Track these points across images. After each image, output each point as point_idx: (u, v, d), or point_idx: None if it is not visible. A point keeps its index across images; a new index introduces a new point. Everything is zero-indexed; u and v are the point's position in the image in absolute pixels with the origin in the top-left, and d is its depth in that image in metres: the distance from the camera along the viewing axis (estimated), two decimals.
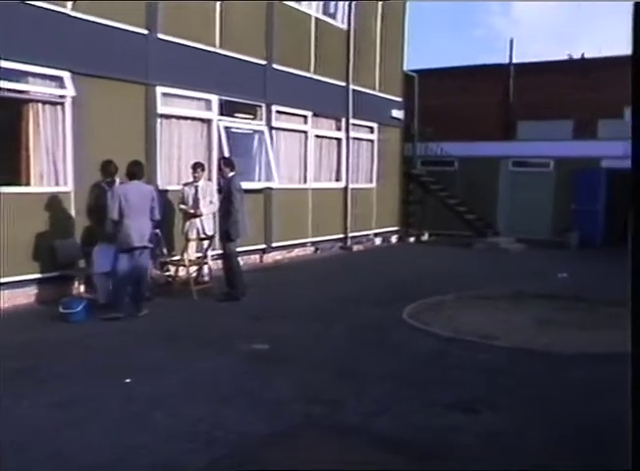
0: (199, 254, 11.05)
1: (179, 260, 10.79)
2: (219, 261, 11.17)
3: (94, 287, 9.45)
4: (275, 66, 14.35)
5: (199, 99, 12.54)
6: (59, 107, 9.85)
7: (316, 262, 15.21)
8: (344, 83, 16.93)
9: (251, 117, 14.12)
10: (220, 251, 10.91)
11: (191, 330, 8.37)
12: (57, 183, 9.94)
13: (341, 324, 8.82)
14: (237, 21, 13.09)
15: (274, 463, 4.55)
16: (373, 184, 18.77)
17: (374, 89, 18.29)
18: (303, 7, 15.45)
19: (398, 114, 19.45)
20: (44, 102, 9.73)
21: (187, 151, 12.36)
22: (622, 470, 2.53)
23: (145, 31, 11.11)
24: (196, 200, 11.03)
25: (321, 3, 16.26)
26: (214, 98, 12.73)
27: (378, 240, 18.77)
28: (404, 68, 20.15)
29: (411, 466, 4.58)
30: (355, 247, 17.41)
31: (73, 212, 9.96)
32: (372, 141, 18.67)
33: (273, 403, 5.72)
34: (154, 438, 4.90)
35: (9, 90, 9.14)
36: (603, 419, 5.41)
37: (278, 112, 14.65)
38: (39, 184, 9.73)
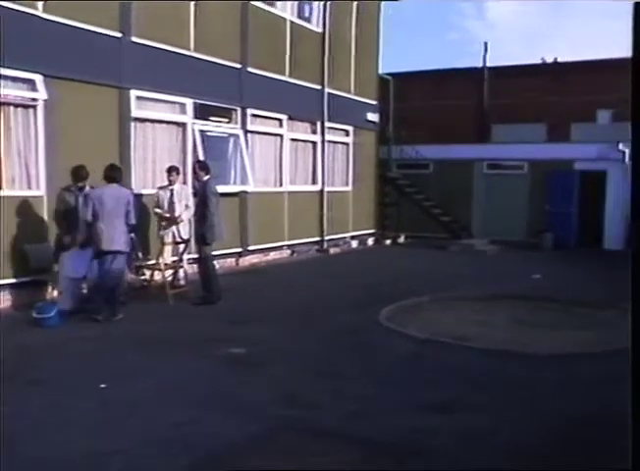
0: (175, 258, 11.00)
1: (154, 264, 10.73)
2: (195, 265, 11.12)
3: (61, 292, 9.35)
4: (250, 69, 14.33)
5: (174, 103, 12.49)
6: (31, 110, 9.76)
7: (293, 265, 15.20)
8: (319, 87, 16.95)
9: (226, 120, 14.08)
10: (196, 255, 10.86)
11: (167, 334, 8.31)
12: (29, 187, 9.84)
13: (317, 327, 8.82)
14: (211, 24, 13.05)
15: (252, 467, 4.53)
16: (349, 187, 18.80)
17: (349, 92, 18.33)
18: (278, 10, 15.45)
19: (373, 117, 19.51)
20: (16, 105, 9.62)
21: (162, 155, 12.30)
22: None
23: (119, 34, 11.04)
24: (172, 204, 10.98)
25: (295, 6, 16.27)
26: (189, 102, 12.68)
27: (354, 243, 18.80)
28: (379, 71, 20.23)
29: (389, 467, 4.59)
30: (332, 250, 17.42)
31: (45, 216, 9.86)
32: (347, 144, 18.71)
33: (250, 407, 5.71)
34: (130, 443, 4.86)
35: None
36: (577, 418, 5.48)
37: (253, 115, 14.62)
38: (11, 188, 9.59)
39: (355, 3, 18.35)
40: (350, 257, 17.25)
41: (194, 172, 10.68)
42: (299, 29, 16.16)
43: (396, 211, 20.38)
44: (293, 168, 16.50)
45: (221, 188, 11.05)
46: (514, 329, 9.05)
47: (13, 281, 9.53)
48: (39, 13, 9.68)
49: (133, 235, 9.57)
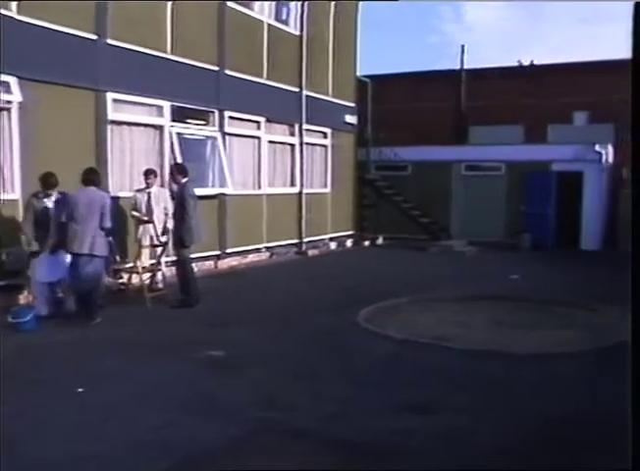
0: (153, 261, 10.94)
1: (132, 267, 10.65)
2: (173, 268, 11.06)
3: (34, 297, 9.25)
4: (227, 72, 14.30)
5: (151, 105, 12.44)
6: (5, 113, 9.66)
7: (271, 267, 15.16)
8: (297, 89, 16.95)
9: (204, 123, 14.04)
10: (174, 258, 10.81)
11: (146, 337, 8.25)
12: (4, 191, 9.73)
13: (296, 328, 8.81)
14: (188, 26, 13.01)
15: (231, 469, 4.51)
16: (327, 189, 18.82)
17: (327, 95, 18.35)
18: (255, 13, 15.43)
19: (351, 119, 19.54)
20: None
21: (140, 158, 12.23)
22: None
23: (94, 36, 10.96)
24: (149, 207, 10.93)
25: (273, 9, 16.26)
26: (166, 104, 12.63)
27: (333, 245, 18.80)
28: (358, 73, 20.27)
29: (367, 468, 4.58)
30: (311, 252, 17.42)
31: (21, 219, 9.74)
32: (326, 147, 18.73)
33: (229, 409, 5.68)
34: (108, 447, 4.82)
35: None
36: (556, 417, 5.51)
37: (231, 118, 14.59)
38: None
39: (333, 4, 18.37)
40: (329, 259, 17.25)
41: (172, 174, 10.63)
42: (277, 32, 16.15)
43: (374, 213, 20.43)
44: (272, 170, 16.49)
45: (199, 191, 11.02)
46: (493, 329, 9.09)
47: None
48: (13, 14, 9.58)
49: (110, 238, 9.50)
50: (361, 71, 20.55)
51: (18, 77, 9.63)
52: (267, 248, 16.08)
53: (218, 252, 14.24)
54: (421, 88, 23.55)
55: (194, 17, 13.23)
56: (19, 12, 9.64)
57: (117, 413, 5.54)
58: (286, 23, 16.77)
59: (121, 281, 11.04)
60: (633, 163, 2.43)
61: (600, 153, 18.71)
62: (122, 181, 11.88)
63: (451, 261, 16.54)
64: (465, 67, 24.01)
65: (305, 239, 17.50)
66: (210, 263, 14.00)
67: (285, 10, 16.83)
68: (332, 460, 4.65)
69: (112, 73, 11.28)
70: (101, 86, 11.15)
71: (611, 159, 19.32)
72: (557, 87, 21.49)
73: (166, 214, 10.97)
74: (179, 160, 12.26)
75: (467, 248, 18.42)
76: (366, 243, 19.96)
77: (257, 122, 15.67)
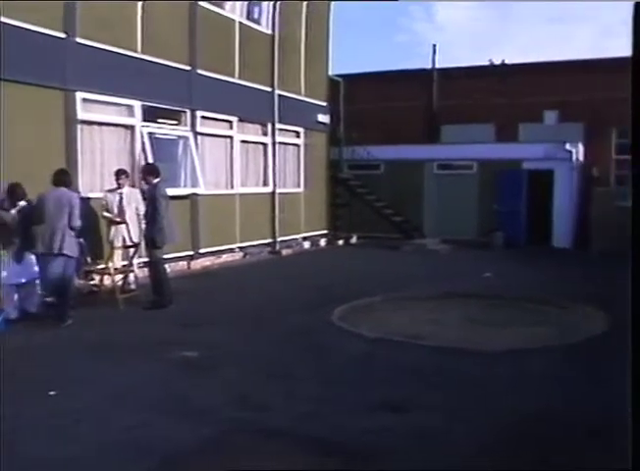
0: (125, 262, 10.84)
1: (104, 269, 10.54)
2: (145, 269, 10.97)
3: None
4: (199, 71, 14.22)
5: (122, 105, 12.33)
6: None
7: (245, 267, 15.11)
8: (269, 88, 16.91)
9: (176, 122, 13.95)
10: (146, 259, 10.72)
11: (118, 338, 8.17)
12: None
13: (270, 328, 8.78)
14: (159, 26, 12.91)
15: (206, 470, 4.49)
16: (300, 189, 18.80)
17: (300, 94, 18.33)
18: (227, 12, 15.37)
19: (323, 118, 19.54)
20: None
21: (110, 158, 12.12)
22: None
23: (63, 35, 10.83)
24: (121, 208, 10.84)
25: (245, 8, 16.20)
26: (137, 104, 12.53)
27: (307, 244, 18.79)
28: (330, 73, 20.27)
29: (342, 467, 4.57)
30: (284, 252, 17.38)
31: None
32: (299, 146, 18.71)
33: (203, 410, 5.65)
34: (82, 450, 4.77)
35: None
36: (530, 414, 5.54)
37: (203, 117, 14.52)
38: None
39: (305, 4, 18.35)
40: (303, 258, 17.23)
41: (143, 175, 10.55)
42: (249, 31, 16.09)
43: (348, 212, 20.43)
44: (244, 170, 16.43)
45: (171, 191, 10.95)
46: (467, 327, 9.15)
47: None
48: None
49: (81, 239, 9.40)
50: (334, 70, 20.58)
51: None
52: (240, 248, 16.02)
53: (191, 253, 14.16)
54: (393, 87, 23.58)
55: (165, 16, 13.14)
56: None
57: (89, 415, 5.48)
58: (257, 22, 16.72)
59: (92, 282, 10.93)
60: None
61: (570, 152, 18.89)
62: (92, 181, 11.76)
63: (424, 259, 16.60)
64: (437, 66, 24.10)
65: (279, 239, 17.46)
66: (183, 263, 13.91)
67: (256, 9, 16.78)
68: (307, 460, 4.63)
69: (81, 72, 11.15)
70: (70, 86, 11.03)
71: (581, 157, 19.52)
72: (527, 87, 21.64)
73: (138, 215, 10.90)
74: (150, 160, 12.16)
75: (440, 247, 18.50)
76: (340, 243, 19.97)
77: (230, 121, 15.61)
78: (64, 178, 8.96)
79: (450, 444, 4.98)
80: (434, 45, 24.30)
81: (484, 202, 19.66)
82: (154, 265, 10.25)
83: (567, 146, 18.89)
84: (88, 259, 10.48)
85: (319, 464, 4.57)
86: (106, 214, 10.96)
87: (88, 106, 11.49)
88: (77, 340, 8.04)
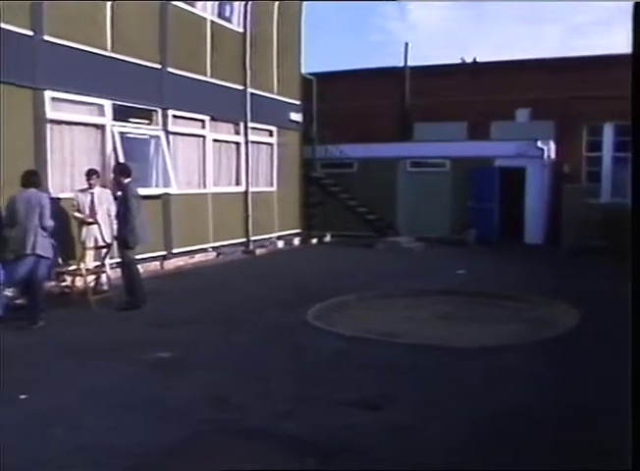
0: (97, 263, 10.72)
1: (76, 270, 10.41)
2: (118, 269, 10.85)
3: None
4: (170, 70, 14.10)
5: (92, 104, 12.17)
6: None
7: (218, 267, 15.02)
8: (241, 87, 16.82)
9: (147, 122, 13.82)
10: (118, 259, 10.61)
11: (91, 340, 8.09)
12: None
13: (245, 328, 8.74)
14: (129, 24, 12.77)
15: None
16: (273, 188, 18.74)
17: (272, 92, 18.26)
18: (198, 10, 15.26)
19: (296, 117, 19.50)
20: None
21: (81, 158, 11.97)
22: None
23: (30, 33, 10.67)
24: (93, 208, 10.72)
25: (216, 6, 16.11)
26: (107, 103, 12.38)
27: (281, 243, 18.73)
28: (302, 71, 20.24)
29: (318, 466, 4.55)
30: (258, 251, 17.31)
31: None
32: (271, 145, 18.64)
33: (179, 410, 5.60)
34: (55, 452, 4.69)
35: None
36: (506, 409, 5.57)
37: (175, 116, 14.40)
38: None
39: (277, 3, 18.29)
40: (277, 258, 17.18)
41: (115, 175, 10.44)
42: (220, 29, 16.00)
43: (321, 210, 20.43)
44: (217, 169, 16.34)
45: (143, 191, 10.88)
46: (442, 324, 9.18)
47: None
48: None
49: (52, 240, 9.27)
50: (306, 68, 20.57)
51: None
52: (214, 248, 15.93)
53: (164, 253, 14.04)
54: (366, 86, 23.58)
55: (136, 14, 13.00)
56: None
57: (62, 418, 5.40)
58: (229, 20, 16.63)
59: (64, 283, 10.79)
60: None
61: (542, 149, 19.07)
62: (63, 181, 11.60)
63: (398, 257, 16.65)
64: (409, 64, 24.15)
65: (252, 238, 17.39)
66: (156, 264, 13.80)
67: (228, 8, 16.69)
68: (283, 458, 4.61)
69: (50, 70, 10.99)
70: (39, 84, 10.87)
71: (552, 155, 19.69)
72: (499, 85, 21.74)
73: (109, 215, 10.79)
74: (121, 160, 12.04)
75: (414, 244, 18.55)
76: (314, 241, 19.94)
77: (202, 120, 15.50)
78: (33, 179, 8.86)
79: (426, 440, 4.99)
80: (406, 43, 24.32)
81: (457, 200, 19.76)
82: (127, 266, 10.16)
83: (539, 144, 19.06)
84: (60, 260, 10.36)
85: (298, 464, 4.55)
86: (77, 214, 10.83)
87: (58, 105, 11.34)
88: (48, 343, 7.92)
